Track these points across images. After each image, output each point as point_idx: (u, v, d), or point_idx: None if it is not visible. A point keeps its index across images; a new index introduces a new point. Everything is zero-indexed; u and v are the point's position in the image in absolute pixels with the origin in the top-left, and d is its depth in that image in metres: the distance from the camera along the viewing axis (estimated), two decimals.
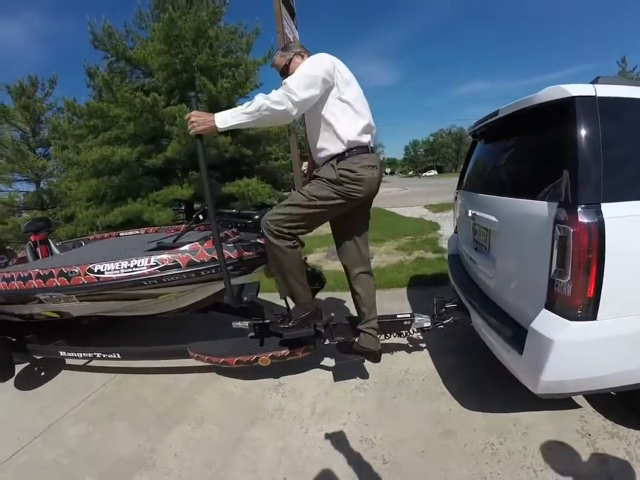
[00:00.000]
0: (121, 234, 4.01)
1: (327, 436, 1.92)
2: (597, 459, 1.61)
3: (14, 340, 2.95)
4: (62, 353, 2.76)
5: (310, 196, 1.93)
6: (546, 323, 1.45)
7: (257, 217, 2.34)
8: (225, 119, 1.80)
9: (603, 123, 1.44)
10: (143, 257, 2.16)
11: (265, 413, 2.17)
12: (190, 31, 5.56)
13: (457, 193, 3.02)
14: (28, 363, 3.06)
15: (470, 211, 2.30)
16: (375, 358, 2.21)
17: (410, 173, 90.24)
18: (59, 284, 2.30)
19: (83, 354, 2.69)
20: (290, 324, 2.07)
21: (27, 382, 2.91)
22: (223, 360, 2.27)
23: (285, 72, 2.10)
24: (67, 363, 3.04)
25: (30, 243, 3.80)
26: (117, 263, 2.18)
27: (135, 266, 2.15)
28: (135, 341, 3.21)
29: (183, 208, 7.18)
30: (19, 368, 2.93)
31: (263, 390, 2.39)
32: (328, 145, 1.98)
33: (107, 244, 3.58)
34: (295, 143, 7.35)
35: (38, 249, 3.79)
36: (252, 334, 2.34)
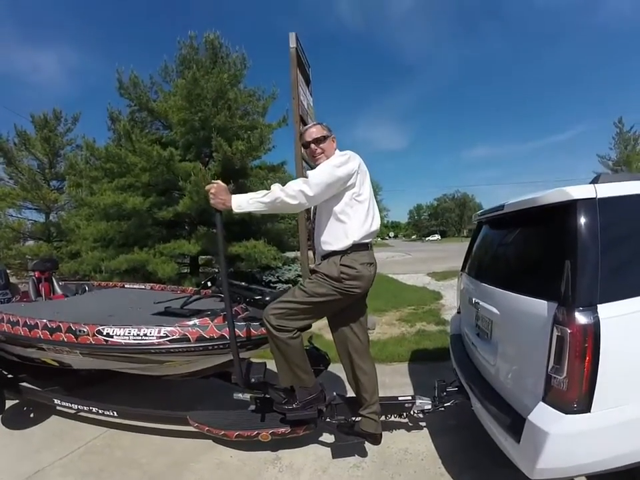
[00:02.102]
0: (126, 286, 4.05)
1: None
2: None
3: (8, 377, 2.95)
4: (56, 401, 2.73)
5: (310, 293, 2.00)
6: (542, 415, 1.53)
7: (267, 298, 2.41)
8: (241, 204, 1.93)
9: (602, 224, 1.55)
10: (152, 327, 2.21)
11: None
12: (211, 92, 5.91)
13: (460, 274, 3.15)
14: (17, 401, 3.02)
15: (473, 299, 2.40)
16: (375, 440, 2.21)
17: (413, 237, 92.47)
18: (65, 339, 2.34)
19: (79, 406, 2.66)
20: (294, 405, 2.09)
21: (15, 421, 2.87)
22: (223, 432, 2.26)
23: (315, 144, 2.13)
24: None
25: (34, 278, 3.87)
26: (127, 329, 2.22)
27: (145, 335, 2.19)
28: (134, 394, 3.17)
29: (187, 262, 7.20)
30: (7, 404, 2.91)
31: (260, 463, 2.35)
32: (333, 241, 2.06)
33: (113, 296, 3.61)
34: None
35: (41, 285, 3.84)
36: (253, 407, 2.33)
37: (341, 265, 1.99)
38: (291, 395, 2.16)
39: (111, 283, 4.24)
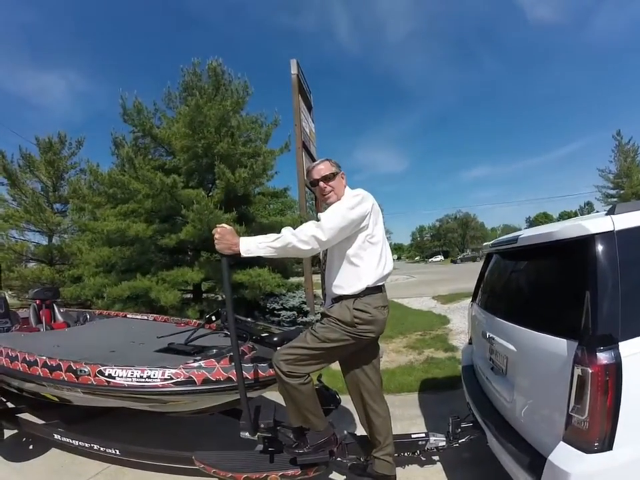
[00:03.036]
0: (128, 316, 4.00)
1: None
2: None
3: (7, 406, 2.90)
4: (56, 437, 2.65)
5: (322, 338, 1.94)
6: (563, 455, 1.50)
7: (275, 338, 2.37)
8: (249, 249, 1.82)
9: (621, 257, 1.52)
10: (156, 369, 2.14)
11: None
12: (214, 119, 5.95)
13: (471, 304, 3.11)
14: (17, 431, 2.94)
15: (487, 333, 2.35)
16: None
17: (416, 259, 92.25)
18: (65, 379, 2.28)
19: (79, 442, 2.57)
20: (305, 449, 2.02)
21: (14, 452, 2.80)
22: (230, 475, 2.17)
23: (325, 182, 2.07)
24: None
25: (35, 305, 3.83)
26: (130, 371, 2.16)
27: (148, 377, 2.13)
28: (137, 428, 3.10)
29: (190, 289, 7.15)
30: (6, 433, 2.84)
31: None
32: (345, 285, 2.00)
33: (114, 328, 3.55)
34: None
35: (42, 312, 3.80)
36: (261, 447, 2.25)
37: (354, 309, 1.94)
38: (301, 437, 2.09)
39: (112, 312, 4.19)
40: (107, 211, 6.68)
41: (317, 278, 7.50)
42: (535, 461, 1.65)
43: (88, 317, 4.01)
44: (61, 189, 11.41)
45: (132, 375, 2.14)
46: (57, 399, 2.62)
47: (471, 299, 3.16)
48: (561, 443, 1.54)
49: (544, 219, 76.23)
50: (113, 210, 6.56)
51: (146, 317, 3.96)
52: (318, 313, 6.64)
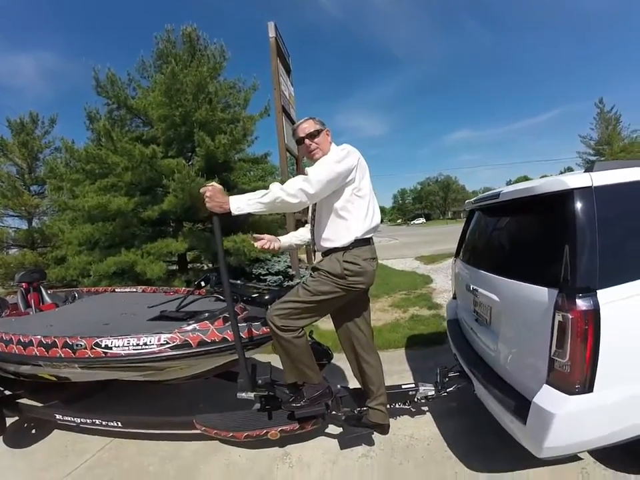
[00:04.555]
0: (116, 290, 3.98)
1: None
2: None
3: (6, 394, 2.88)
4: (58, 416, 2.67)
5: (314, 291, 1.99)
6: (547, 398, 1.60)
7: (267, 297, 2.39)
8: (240, 206, 1.83)
9: (599, 211, 1.60)
10: (152, 335, 2.17)
11: None
12: (191, 86, 5.73)
13: (454, 260, 3.20)
14: (17, 418, 2.94)
15: (471, 285, 2.44)
16: (384, 431, 2.25)
17: (398, 221, 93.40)
18: (62, 355, 2.27)
19: (81, 419, 2.60)
20: (302, 403, 2.10)
21: (17, 439, 2.81)
22: (231, 434, 2.26)
23: (310, 139, 2.08)
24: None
25: (22, 289, 3.75)
26: (126, 339, 2.17)
27: (145, 344, 2.15)
28: (135, 400, 3.15)
29: (175, 260, 7.10)
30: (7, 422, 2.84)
31: (270, 460, 2.37)
32: (335, 238, 2.04)
33: (104, 303, 3.53)
34: None
35: (30, 296, 3.74)
36: (258, 406, 2.32)
37: (343, 261, 1.98)
38: (297, 392, 2.17)
39: (100, 288, 4.15)
40: (85, 187, 6.47)
41: None
42: (521, 404, 1.76)
43: (76, 295, 3.95)
44: (36, 170, 11.09)
45: (128, 343, 2.16)
46: (55, 378, 2.61)
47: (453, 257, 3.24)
48: (545, 386, 1.65)
49: (525, 181, 77.34)
50: (92, 186, 6.35)
51: (134, 290, 3.95)
52: (303, 276, 6.76)
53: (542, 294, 1.70)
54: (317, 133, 2.09)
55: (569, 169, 27.59)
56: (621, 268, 1.65)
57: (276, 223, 8.46)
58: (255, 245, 2.35)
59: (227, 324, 2.25)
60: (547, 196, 1.76)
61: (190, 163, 6.46)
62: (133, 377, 2.49)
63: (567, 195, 1.64)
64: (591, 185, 1.62)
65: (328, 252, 2.08)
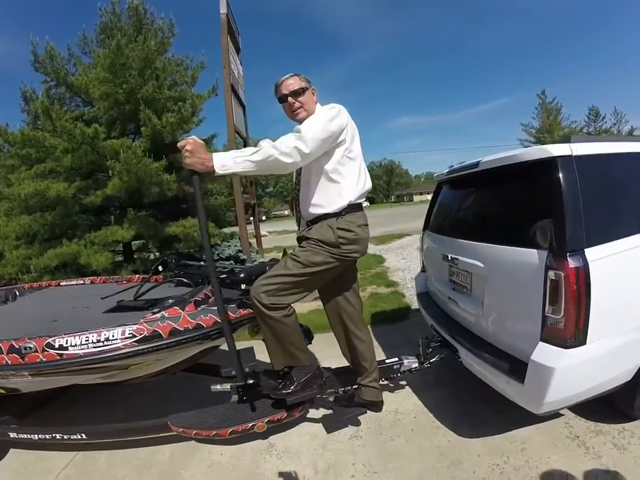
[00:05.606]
0: (62, 283, 3.54)
1: None
2: (591, 456, 1.86)
3: None
4: (12, 435, 2.26)
5: (305, 262, 1.83)
6: (545, 354, 1.65)
7: (242, 275, 2.13)
8: (224, 163, 1.62)
9: (579, 177, 1.71)
10: (114, 328, 1.88)
11: (265, 479, 2.00)
12: (137, 60, 5.29)
13: (423, 233, 3.22)
14: None
15: (450, 255, 2.42)
16: (377, 408, 2.18)
17: None
18: (9, 362, 1.91)
19: (39, 435, 2.22)
20: (292, 389, 1.95)
21: None
22: (215, 433, 2.04)
23: (293, 97, 1.92)
24: None
25: None
26: (84, 336, 1.86)
27: (107, 339, 1.85)
28: (95, 405, 2.79)
29: (120, 249, 6.54)
30: None
31: (254, 454, 2.19)
32: (326, 203, 1.89)
33: (51, 298, 3.11)
34: (238, 180, 7.24)
35: None
36: (236, 398, 2.12)
37: (337, 228, 1.85)
38: (286, 377, 2.02)
39: (44, 283, 3.65)
40: (21, 174, 5.75)
41: (250, 227, 7.35)
42: (516, 365, 1.79)
43: (17, 293, 3.43)
44: None
45: (87, 340, 1.85)
46: (2, 391, 2.21)
47: (416, 234, 3.28)
48: (540, 343, 1.69)
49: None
50: (29, 172, 5.65)
51: (82, 281, 3.53)
52: (254, 260, 6.53)
53: (531, 256, 1.75)
54: (302, 90, 1.92)
55: None
56: (601, 229, 1.76)
57: (224, 206, 8.09)
58: None
59: (199, 308, 2.03)
60: (531, 163, 1.83)
61: (133, 143, 5.93)
62: (93, 380, 2.16)
63: (551, 162, 1.73)
64: (570, 154, 1.74)
65: (317, 219, 1.93)
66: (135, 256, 6.66)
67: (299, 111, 1.94)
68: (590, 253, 1.64)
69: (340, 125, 1.82)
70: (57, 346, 1.85)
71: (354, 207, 1.92)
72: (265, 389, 2.06)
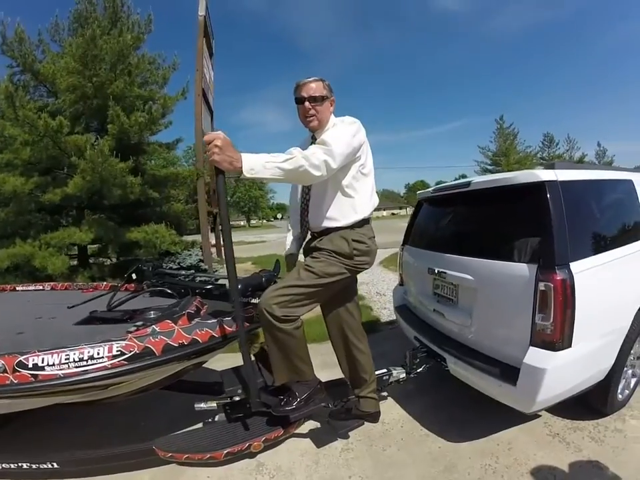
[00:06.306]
0: (18, 289, 3.22)
1: None
2: (572, 450, 2.03)
3: None
4: None
5: (320, 273, 1.82)
6: (537, 357, 1.81)
7: (239, 287, 2.07)
8: (253, 167, 1.53)
9: (564, 200, 1.92)
10: (99, 345, 1.67)
11: None
12: (111, 53, 5.05)
13: (402, 248, 3.31)
14: None
15: (436, 269, 2.52)
16: (375, 419, 2.18)
17: None
18: None
19: (3, 464, 1.93)
20: (295, 404, 1.90)
21: None
22: (209, 456, 1.92)
23: (311, 102, 1.88)
24: None
25: None
26: (63, 354, 1.62)
27: (92, 357, 1.64)
28: (61, 425, 2.48)
29: (75, 253, 6.09)
30: None
31: (244, 475, 2.02)
32: (340, 216, 1.90)
33: (6, 305, 2.80)
34: (203, 188, 7.06)
35: None
36: (223, 416, 2.04)
37: (352, 240, 1.87)
38: (287, 392, 1.96)
39: None
40: None
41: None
42: (508, 369, 1.93)
43: None
44: None
45: (67, 359, 1.62)
46: None
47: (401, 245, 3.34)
48: (531, 347, 1.85)
49: (422, 186, 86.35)
50: None
51: (41, 287, 3.24)
52: (216, 270, 6.36)
53: (523, 269, 1.92)
54: (322, 99, 1.89)
55: (463, 176, 31.11)
56: (582, 245, 2.00)
57: (186, 212, 7.83)
58: None
59: (193, 322, 1.91)
60: (520, 186, 2.03)
61: (96, 141, 5.63)
62: (68, 401, 1.90)
63: (540, 185, 1.94)
64: (556, 179, 1.96)
65: (327, 231, 1.93)
66: (90, 261, 6.25)
67: (312, 118, 1.92)
68: (574, 266, 1.84)
69: (360, 141, 1.85)
70: (30, 365, 1.60)
71: (365, 221, 1.96)
72: (258, 406, 1.98)
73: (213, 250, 9.44)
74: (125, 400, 2.03)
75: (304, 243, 2.21)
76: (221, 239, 1.61)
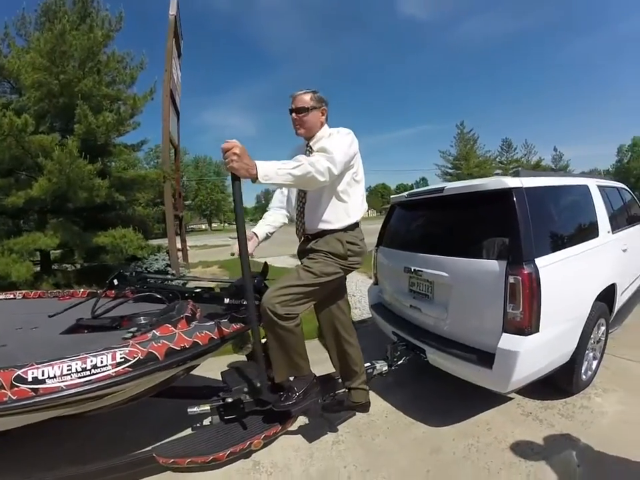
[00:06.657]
0: None
1: None
2: (545, 426, 2.26)
3: None
4: None
5: (318, 273, 1.96)
6: (510, 342, 2.03)
7: (232, 290, 2.12)
8: (267, 173, 1.62)
9: (529, 204, 2.18)
10: (102, 354, 1.62)
11: None
12: (81, 50, 4.87)
13: (376, 249, 3.47)
14: None
15: (412, 267, 2.69)
16: (365, 409, 2.33)
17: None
18: None
19: None
20: (295, 399, 2.01)
21: None
22: (212, 458, 1.94)
23: (296, 113, 2.02)
24: None
25: None
26: (65, 365, 1.55)
27: (95, 366, 1.59)
28: (53, 446, 2.32)
29: (37, 259, 5.77)
30: None
31: (242, 475, 2.04)
32: (334, 220, 2.05)
33: None
34: (170, 191, 6.96)
35: None
36: (217, 418, 2.07)
37: (346, 242, 2.02)
38: (286, 388, 2.06)
39: None
40: None
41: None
42: (483, 355, 2.14)
43: None
44: None
45: (70, 370, 1.56)
46: None
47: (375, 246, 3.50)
48: (504, 334, 2.08)
49: (382, 189, 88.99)
50: None
51: (12, 296, 3.07)
52: (183, 274, 6.34)
53: (493, 265, 2.16)
54: (306, 110, 2.03)
55: (423, 179, 31.71)
56: (545, 243, 2.27)
57: (152, 216, 7.68)
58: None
59: (191, 325, 1.94)
60: (490, 192, 2.27)
61: (61, 142, 5.43)
62: (66, 413, 1.79)
63: (508, 191, 2.18)
64: (522, 185, 2.21)
65: (322, 233, 2.07)
66: (54, 267, 5.97)
67: (297, 127, 2.07)
68: (539, 261, 2.08)
69: (355, 150, 2.01)
70: (30, 379, 1.51)
71: (356, 224, 2.13)
72: (253, 405, 2.06)
73: (179, 254, 9.27)
74: (108, 411, 1.94)
75: (297, 246, 2.33)
76: (238, 244, 1.59)
